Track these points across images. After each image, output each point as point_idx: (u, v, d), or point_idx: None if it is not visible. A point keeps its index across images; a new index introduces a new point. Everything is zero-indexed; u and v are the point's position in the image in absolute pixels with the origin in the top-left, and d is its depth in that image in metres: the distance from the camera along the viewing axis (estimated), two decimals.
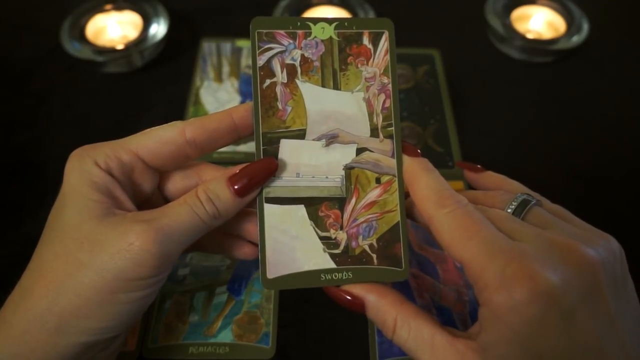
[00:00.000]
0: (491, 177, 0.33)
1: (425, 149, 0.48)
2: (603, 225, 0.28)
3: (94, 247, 0.26)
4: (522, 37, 0.54)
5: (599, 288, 0.24)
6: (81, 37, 0.52)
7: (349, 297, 0.28)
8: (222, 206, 0.28)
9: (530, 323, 0.23)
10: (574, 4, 0.57)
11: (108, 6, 0.55)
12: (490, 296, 0.24)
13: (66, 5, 0.54)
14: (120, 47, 0.51)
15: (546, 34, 0.56)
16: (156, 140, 0.29)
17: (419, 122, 0.50)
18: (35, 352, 0.26)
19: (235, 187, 0.28)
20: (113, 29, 0.54)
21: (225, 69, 0.53)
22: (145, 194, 0.30)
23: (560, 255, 0.24)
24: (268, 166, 0.28)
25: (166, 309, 0.38)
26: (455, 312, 0.38)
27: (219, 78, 0.53)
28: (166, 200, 0.32)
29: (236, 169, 0.28)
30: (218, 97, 0.51)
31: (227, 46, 0.55)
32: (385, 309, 0.27)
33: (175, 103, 0.51)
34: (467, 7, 0.59)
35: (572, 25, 0.55)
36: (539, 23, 0.57)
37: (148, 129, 0.29)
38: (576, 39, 0.54)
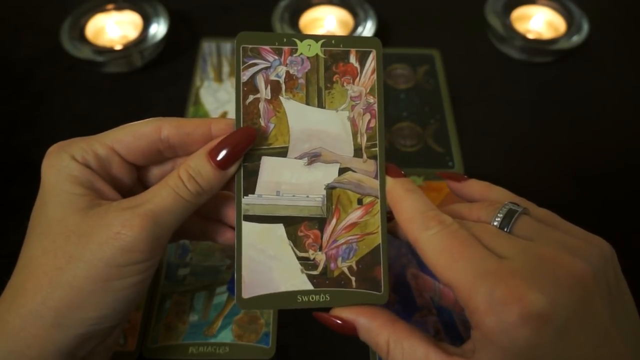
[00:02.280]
0: (475, 185, 0.32)
1: (425, 149, 0.48)
2: (602, 225, 0.28)
3: (81, 240, 0.26)
4: (522, 37, 0.54)
5: (590, 300, 0.24)
6: (81, 37, 0.52)
7: (339, 322, 0.28)
8: (204, 182, 0.28)
9: (522, 345, 0.23)
10: (574, 4, 0.57)
11: (108, 6, 0.55)
12: (481, 319, 0.24)
13: (66, 5, 0.54)
14: (120, 47, 0.51)
15: (546, 34, 0.56)
16: (130, 134, 0.29)
17: (419, 122, 0.50)
18: (32, 347, 0.26)
19: (217, 159, 0.27)
20: (113, 29, 0.54)
21: (225, 69, 0.53)
22: (126, 187, 0.30)
23: (550, 271, 0.24)
24: (247, 133, 0.28)
25: (166, 309, 0.38)
26: (455, 313, 0.38)
27: (219, 78, 0.53)
28: (146, 188, 0.32)
29: (215, 142, 0.28)
30: (218, 97, 0.51)
31: (227, 46, 0.55)
32: (377, 331, 0.27)
33: (175, 103, 0.51)
34: (467, 7, 0.59)
35: (572, 25, 0.55)
36: (539, 23, 0.57)
37: (127, 124, 0.29)
38: (576, 39, 0.54)
